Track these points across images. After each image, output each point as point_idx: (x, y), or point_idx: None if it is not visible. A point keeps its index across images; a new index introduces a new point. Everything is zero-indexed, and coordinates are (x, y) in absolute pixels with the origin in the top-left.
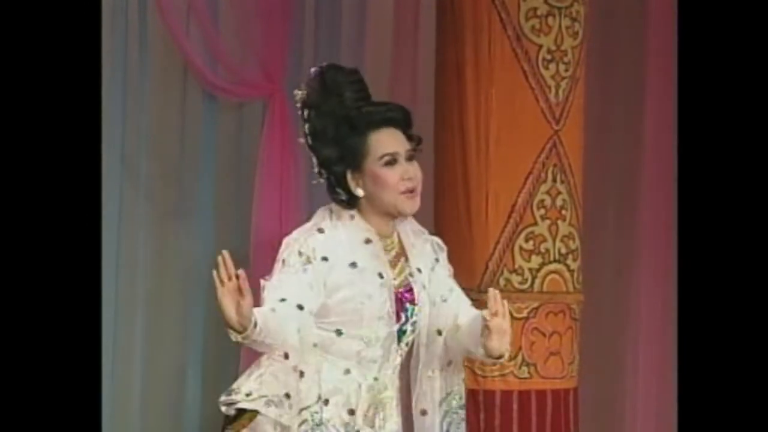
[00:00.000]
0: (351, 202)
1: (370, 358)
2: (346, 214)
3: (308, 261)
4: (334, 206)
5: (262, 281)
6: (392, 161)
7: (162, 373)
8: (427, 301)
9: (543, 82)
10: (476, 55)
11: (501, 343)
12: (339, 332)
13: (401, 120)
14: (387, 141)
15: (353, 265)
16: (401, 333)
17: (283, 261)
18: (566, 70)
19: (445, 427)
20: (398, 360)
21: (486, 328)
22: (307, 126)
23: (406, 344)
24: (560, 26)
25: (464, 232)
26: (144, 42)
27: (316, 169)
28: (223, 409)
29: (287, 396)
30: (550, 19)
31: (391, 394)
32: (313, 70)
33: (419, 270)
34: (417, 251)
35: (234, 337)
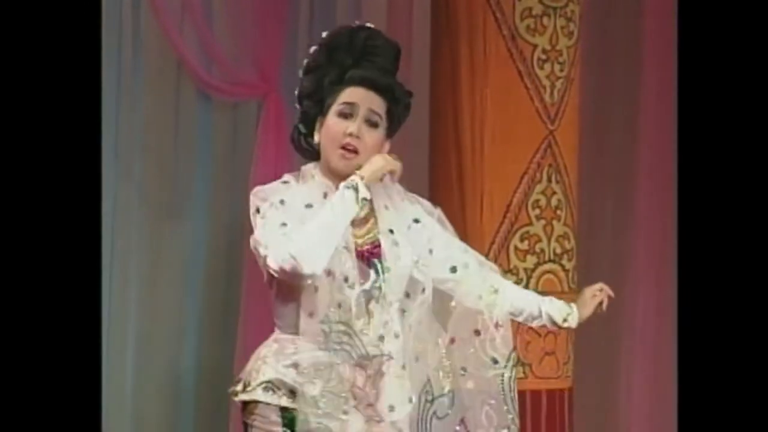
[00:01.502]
0: (313, 153)
1: (348, 322)
2: (308, 173)
3: (274, 204)
4: (301, 170)
5: (252, 239)
6: (347, 113)
7: (156, 374)
8: (403, 258)
9: (538, 82)
10: (471, 55)
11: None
12: (311, 313)
13: (387, 88)
14: (355, 95)
15: (309, 206)
16: (377, 290)
17: (257, 209)
18: (561, 70)
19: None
20: (385, 317)
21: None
22: (306, 60)
23: (389, 303)
24: (555, 26)
25: (459, 231)
26: (138, 41)
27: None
28: (235, 398)
29: (282, 381)
30: (545, 18)
31: (388, 353)
32: (356, 23)
33: (391, 231)
34: (390, 213)
35: (365, 193)
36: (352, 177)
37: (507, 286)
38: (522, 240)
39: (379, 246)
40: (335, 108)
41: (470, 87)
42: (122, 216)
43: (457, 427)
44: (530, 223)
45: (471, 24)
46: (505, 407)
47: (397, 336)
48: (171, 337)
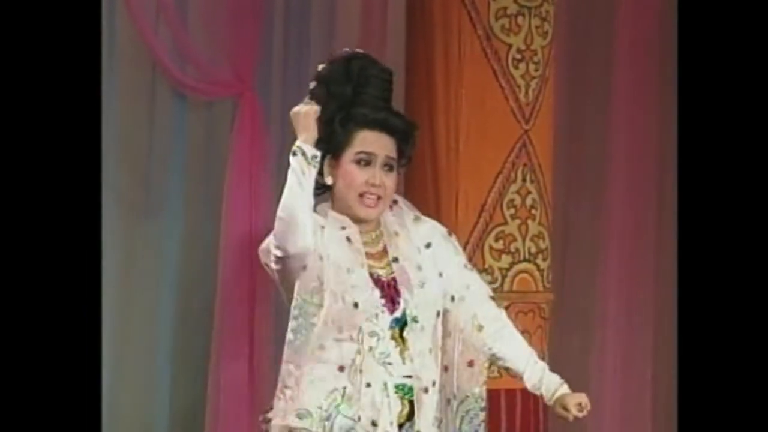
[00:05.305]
0: (321, 189)
1: (385, 352)
2: (321, 211)
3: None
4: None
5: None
6: (366, 161)
7: (131, 373)
8: (428, 282)
9: (513, 82)
10: (446, 54)
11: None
12: (339, 339)
13: (398, 130)
14: (369, 140)
15: (323, 227)
16: (405, 319)
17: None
18: (536, 70)
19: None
20: (419, 346)
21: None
22: (308, 96)
23: (422, 328)
24: (530, 26)
25: None
26: (113, 41)
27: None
28: (263, 427)
29: (316, 407)
30: (519, 18)
31: (430, 381)
32: (345, 50)
33: (396, 259)
34: (400, 239)
35: (312, 151)
36: (296, 145)
37: (502, 330)
38: (497, 239)
39: (404, 274)
40: (352, 156)
41: (445, 86)
42: None
43: None
44: (505, 223)
45: (446, 23)
46: None
47: (434, 362)
48: (145, 339)
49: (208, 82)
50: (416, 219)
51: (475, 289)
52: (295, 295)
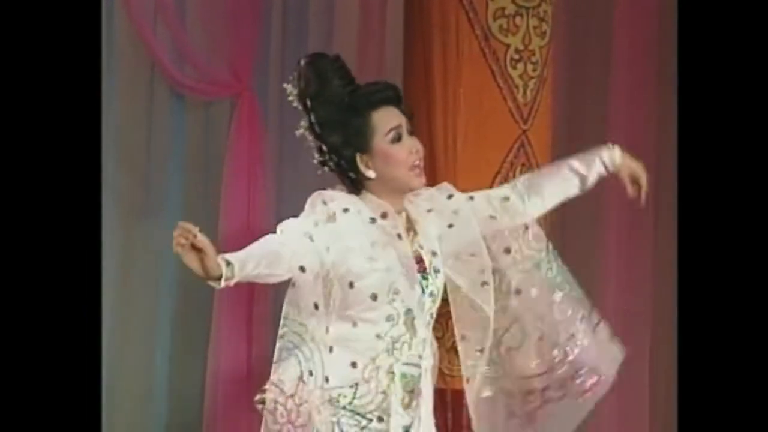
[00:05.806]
0: (357, 185)
1: (395, 337)
2: (348, 197)
3: (328, 215)
4: (334, 191)
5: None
6: (398, 136)
7: (130, 372)
8: (441, 265)
9: (511, 82)
10: (444, 54)
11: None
12: (355, 323)
13: (395, 98)
14: (389, 117)
15: (373, 220)
16: (420, 305)
17: (305, 209)
18: (534, 70)
19: None
20: (424, 334)
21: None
22: (312, 116)
23: (431, 315)
24: (528, 26)
25: None
26: (112, 41)
27: (317, 159)
28: (259, 407)
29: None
30: (517, 18)
31: (426, 369)
32: (301, 60)
33: (429, 235)
34: (424, 219)
35: (216, 285)
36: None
37: (527, 183)
38: None
39: (422, 260)
40: (383, 138)
41: (443, 87)
42: None
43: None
44: None
45: (444, 24)
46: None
47: (433, 353)
48: (144, 338)
49: (206, 82)
50: (430, 192)
51: (478, 198)
52: (283, 312)
